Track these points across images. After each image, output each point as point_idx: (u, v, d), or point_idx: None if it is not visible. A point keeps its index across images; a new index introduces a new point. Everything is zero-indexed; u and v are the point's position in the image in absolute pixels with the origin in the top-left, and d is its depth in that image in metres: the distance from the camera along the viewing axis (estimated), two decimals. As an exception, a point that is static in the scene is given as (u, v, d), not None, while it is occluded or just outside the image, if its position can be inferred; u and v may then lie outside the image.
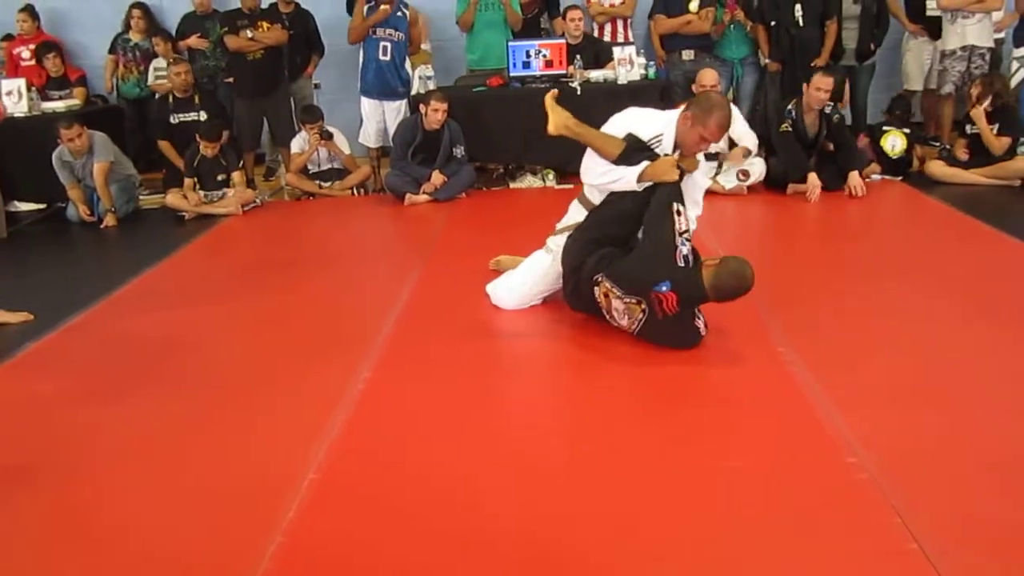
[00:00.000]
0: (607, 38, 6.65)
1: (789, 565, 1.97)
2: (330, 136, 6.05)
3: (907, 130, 5.81)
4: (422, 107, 5.65)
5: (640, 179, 3.17)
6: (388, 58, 6.04)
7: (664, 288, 2.98)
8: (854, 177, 5.27)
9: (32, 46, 6.88)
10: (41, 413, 2.99)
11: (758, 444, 2.49)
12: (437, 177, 5.70)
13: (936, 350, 3.07)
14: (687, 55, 6.40)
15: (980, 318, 3.33)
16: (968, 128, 5.55)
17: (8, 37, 7.06)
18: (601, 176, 3.31)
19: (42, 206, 6.37)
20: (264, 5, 6.36)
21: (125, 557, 2.15)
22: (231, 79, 6.44)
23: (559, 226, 3.58)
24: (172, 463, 2.59)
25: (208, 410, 2.93)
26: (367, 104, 6.20)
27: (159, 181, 6.39)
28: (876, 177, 5.67)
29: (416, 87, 6.20)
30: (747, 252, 4.41)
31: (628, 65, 6.01)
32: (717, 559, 2.00)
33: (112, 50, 6.94)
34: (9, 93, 6.33)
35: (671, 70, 6.46)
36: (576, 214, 3.50)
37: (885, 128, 5.82)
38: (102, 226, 5.74)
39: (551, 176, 6.11)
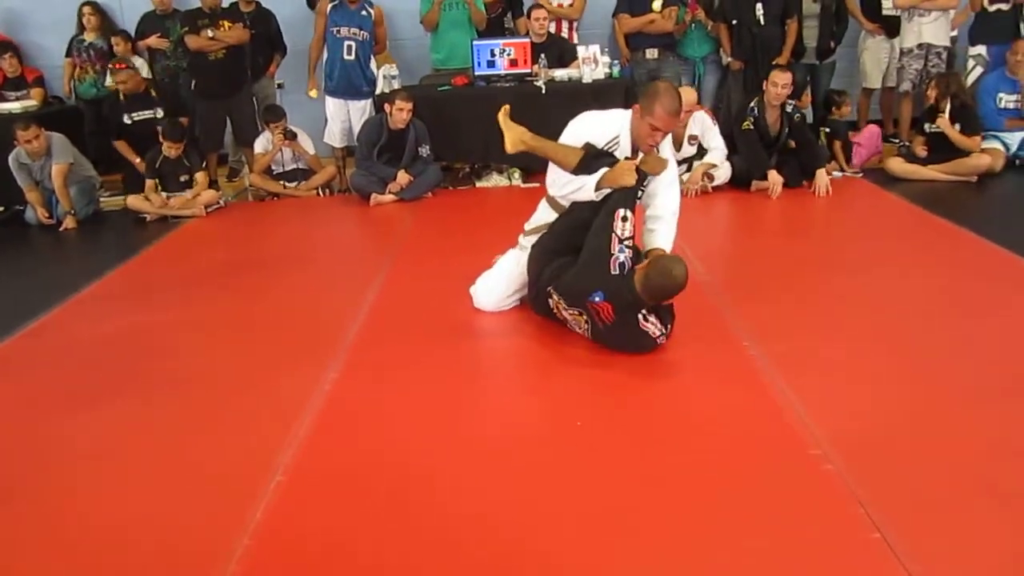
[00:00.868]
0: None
1: (754, 556, 1.99)
2: (294, 136, 6.01)
3: (826, 128, 5.97)
4: (387, 106, 5.64)
5: (598, 187, 3.14)
6: (353, 57, 6.01)
7: (597, 299, 2.98)
8: (821, 176, 5.33)
9: (-13, 47, 6.74)
10: (0, 419, 2.94)
11: (723, 438, 2.52)
12: (403, 177, 5.68)
13: (899, 343, 3.12)
14: (651, 54, 6.44)
15: (942, 311, 3.40)
16: (927, 126, 5.65)
17: (-38, 38, 6.92)
18: (563, 187, 3.30)
19: (-1, 209, 6.26)
20: (225, 4, 6.29)
21: (92, 561, 2.12)
22: (193, 82, 6.36)
23: (528, 226, 3.59)
24: (136, 467, 2.56)
25: (173, 415, 2.89)
26: (332, 104, 6.17)
27: (120, 183, 6.30)
28: (837, 174, 5.75)
29: (381, 86, 6.17)
30: (712, 249, 4.52)
31: (592, 64, 6.04)
32: (682, 552, 2.02)
33: (69, 53, 6.82)
34: (-36, 94, 6.22)
35: (635, 69, 6.50)
36: (545, 214, 3.50)
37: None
38: (61, 229, 5.66)
39: (517, 175, 6.12)
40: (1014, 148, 5.80)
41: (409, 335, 3.40)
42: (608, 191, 3.13)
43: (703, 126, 5.46)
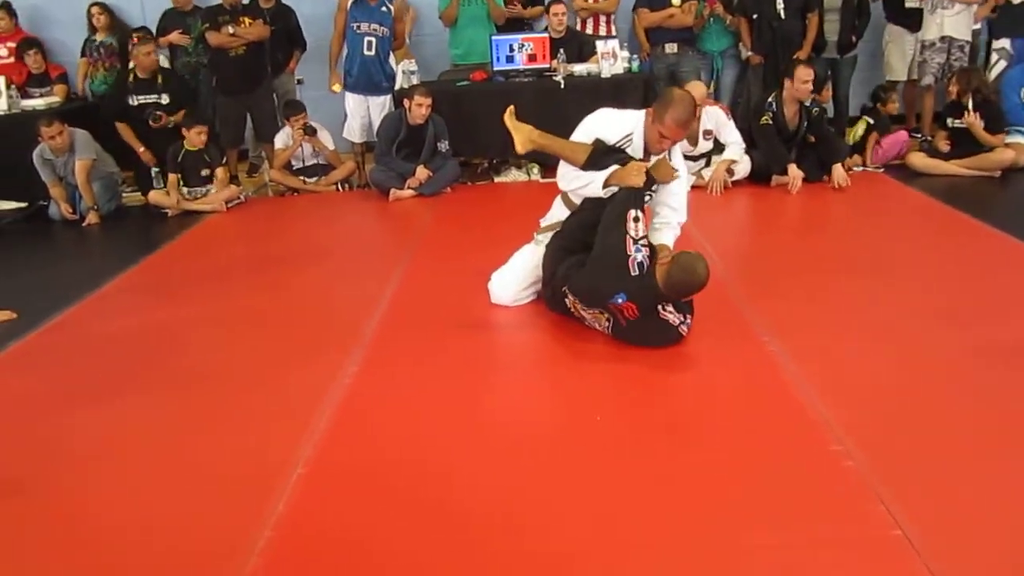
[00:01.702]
0: (589, 32, 6.66)
1: (774, 552, 1.98)
2: (314, 132, 6.03)
3: (870, 119, 5.87)
4: (406, 102, 5.65)
5: (606, 184, 3.14)
6: (372, 53, 6.02)
7: (620, 300, 2.98)
8: (838, 170, 5.30)
9: (10, 43, 6.81)
10: (23, 413, 2.98)
11: (743, 433, 2.51)
12: (422, 172, 5.69)
13: (921, 340, 3.10)
14: (670, 48, 6.41)
15: (964, 308, 3.36)
16: (950, 121, 5.59)
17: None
18: (571, 182, 3.30)
19: (24, 205, 6.31)
20: (246, 1, 6.31)
21: (112, 556, 2.15)
22: (214, 78, 6.40)
23: (543, 223, 3.59)
24: (158, 461, 2.59)
25: (194, 407, 2.93)
26: (351, 99, 6.18)
27: (132, 178, 6.33)
28: (858, 168, 5.71)
29: (400, 82, 6.19)
30: (731, 244, 4.50)
31: (611, 59, 6.02)
32: (702, 547, 2.02)
33: (84, 53, 6.87)
34: (-12, 91, 6.28)
35: (654, 63, 6.47)
36: (559, 212, 3.50)
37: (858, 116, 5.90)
38: (84, 224, 5.71)
39: (535, 170, 6.12)
40: (1038, 143, 5.72)
41: (428, 329, 3.41)
42: (615, 189, 3.13)
43: (717, 121, 5.43)
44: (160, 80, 6.06)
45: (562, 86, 5.87)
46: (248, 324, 3.70)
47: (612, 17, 6.75)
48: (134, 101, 6.04)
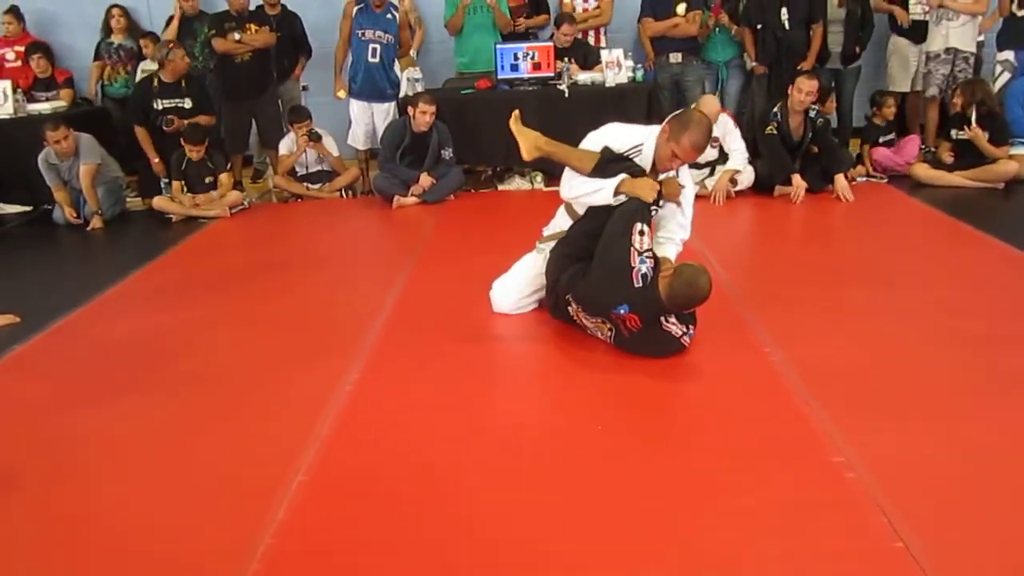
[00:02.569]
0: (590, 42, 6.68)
1: (775, 563, 1.98)
2: (318, 138, 6.04)
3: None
4: (410, 109, 5.66)
5: (617, 192, 3.12)
6: (377, 60, 6.04)
7: (623, 311, 2.99)
8: (840, 181, 5.31)
9: (18, 47, 6.83)
10: (27, 416, 2.98)
11: (746, 444, 2.51)
12: (425, 179, 5.70)
13: (924, 351, 3.09)
14: (674, 58, 6.42)
15: (967, 319, 3.36)
16: (954, 133, 5.60)
17: (-7, 39, 7.02)
18: (578, 188, 3.27)
19: (28, 208, 6.34)
20: (252, 7, 6.34)
21: (113, 559, 2.15)
22: (219, 84, 6.42)
23: (546, 232, 3.59)
24: (160, 465, 2.59)
25: (196, 412, 2.93)
26: (356, 106, 6.20)
27: (136, 183, 6.35)
28: (861, 179, 5.71)
29: (404, 89, 6.21)
30: (734, 254, 4.50)
31: (616, 68, 6.03)
32: (703, 559, 2.02)
33: (97, 56, 6.90)
34: (-5, 95, 6.30)
35: (659, 73, 6.48)
36: (562, 220, 3.50)
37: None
38: (88, 228, 5.72)
39: (539, 178, 6.13)
40: (1042, 155, 5.72)
41: (430, 337, 3.41)
42: (623, 198, 3.12)
43: (725, 128, 5.44)
44: (184, 84, 6.08)
45: (566, 95, 5.89)
46: (251, 329, 3.71)
47: (603, 29, 6.77)
48: (158, 105, 6.04)
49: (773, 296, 3.67)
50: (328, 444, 2.61)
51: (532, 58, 6.12)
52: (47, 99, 6.61)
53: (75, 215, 5.80)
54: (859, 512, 2.14)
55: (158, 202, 5.85)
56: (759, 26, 6.21)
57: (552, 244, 3.43)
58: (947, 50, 6.13)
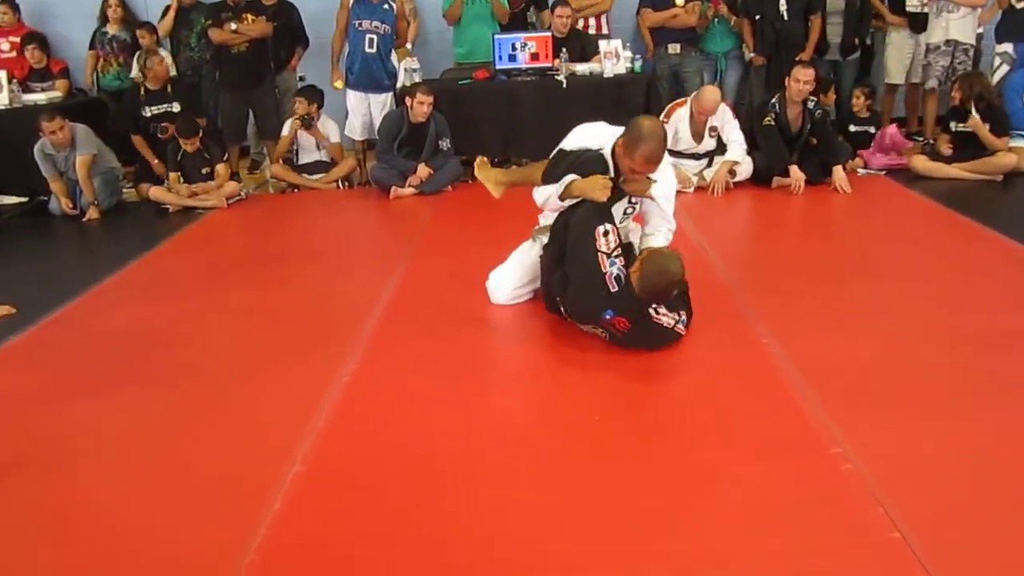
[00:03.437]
0: (591, 31, 6.65)
1: (772, 554, 1.98)
2: (309, 123, 6.00)
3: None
4: (408, 100, 5.64)
5: (563, 195, 3.08)
6: (374, 51, 6.02)
7: (609, 315, 2.98)
8: (838, 172, 5.29)
9: (12, 38, 6.79)
10: (22, 408, 2.98)
11: (744, 437, 2.50)
12: (423, 170, 5.69)
13: (921, 344, 3.09)
14: (673, 49, 6.40)
15: (963, 311, 3.35)
16: (953, 125, 5.58)
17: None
18: (538, 197, 3.28)
19: (24, 199, 6.31)
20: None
21: (108, 551, 2.15)
22: (217, 74, 6.40)
23: (542, 221, 3.58)
24: (156, 457, 2.58)
25: (192, 404, 2.92)
26: (353, 97, 6.18)
27: (131, 174, 6.33)
28: (861, 172, 5.70)
29: (402, 80, 6.18)
30: (732, 247, 4.49)
31: (614, 58, 6.01)
32: (701, 551, 2.02)
33: (92, 45, 6.86)
34: (-11, 85, 6.27)
35: (657, 64, 6.46)
36: (550, 214, 3.50)
37: None
38: (85, 219, 5.70)
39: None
40: (1041, 147, 5.70)
41: (427, 328, 3.40)
42: (576, 200, 3.07)
43: (723, 118, 5.42)
44: (170, 89, 6.11)
45: (564, 85, 5.87)
46: (247, 321, 3.70)
47: (605, 17, 6.74)
48: (147, 112, 6.05)
49: (771, 289, 3.67)
50: (325, 435, 2.60)
51: (530, 48, 6.10)
52: (42, 89, 6.58)
53: (71, 206, 5.77)
54: (856, 504, 2.14)
55: (155, 193, 5.83)
56: (758, 17, 6.20)
57: (546, 234, 3.42)
58: (947, 42, 6.13)
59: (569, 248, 3.07)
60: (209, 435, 2.69)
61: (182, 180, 5.78)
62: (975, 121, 5.38)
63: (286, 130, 6.11)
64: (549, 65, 6.08)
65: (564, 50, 6.04)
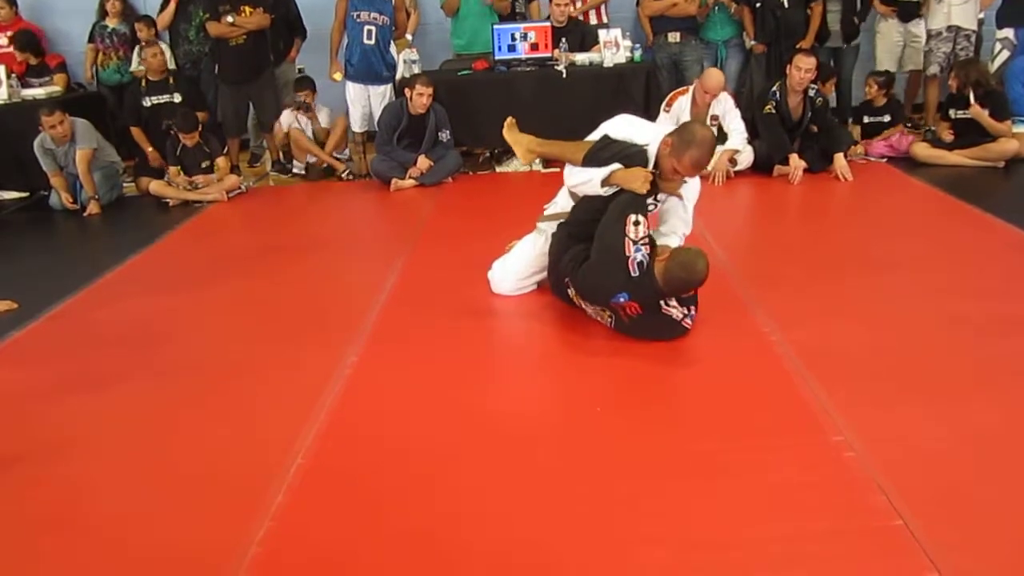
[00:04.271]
0: (592, 21, 6.64)
1: (775, 543, 1.98)
2: (308, 108, 6.09)
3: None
4: (407, 91, 5.62)
5: (606, 182, 3.07)
6: (373, 42, 5.99)
7: (622, 299, 2.97)
8: (839, 160, 5.28)
9: (10, 32, 6.77)
10: (23, 403, 2.98)
11: (746, 424, 2.51)
12: (423, 162, 5.68)
13: (924, 332, 3.09)
14: (673, 37, 6.39)
15: (967, 299, 3.35)
16: (953, 112, 5.57)
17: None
18: (572, 178, 3.23)
19: (24, 194, 6.32)
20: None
21: (112, 544, 2.15)
22: (216, 67, 6.39)
23: (547, 211, 3.58)
24: (159, 450, 2.59)
25: (195, 397, 2.92)
26: (352, 89, 6.16)
27: (132, 168, 6.33)
28: (859, 158, 5.68)
29: (401, 71, 6.17)
30: (733, 236, 4.49)
31: (614, 48, 5.99)
32: (705, 538, 2.02)
33: (91, 39, 6.84)
34: (-12, 80, 6.26)
35: (657, 52, 6.45)
36: (563, 200, 3.48)
37: None
38: (85, 214, 5.70)
39: (537, 160, 6.09)
40: (1043, 133, 5.69)
41: (429, 320, 3.40)
42: (616, 189, 3.07)
43: (725, 107, 5.41)
44: (171, 80, 6.12)
45: (564, 75, 5.85)
46: (249, 313, 3.70)
47: (606, 6, 6.72)
48: (147, 102, 6.07)
49: (773, 277, 3.67)
50: (327, 428, 2.61)
51: (529, 39, 6.08)
52: (40, 84, 6.56)
53: (72, 200, 5.77)
54: (858, 491, 2.14)
55: (155, 187, 5.83)
56: (758, 5, 6.18)
57: (553, 223, 3.41)
58: (949, 28, 6.11)
59: (600, 227, 3.06)
60: (212, 428, 2.69)
61: (182, 174, 5.78)
62: (976, 109, 5.36)
63: (285, 122, 6.10)
64: (549, 55, 6.06)
65: (564, 40, 6.03)
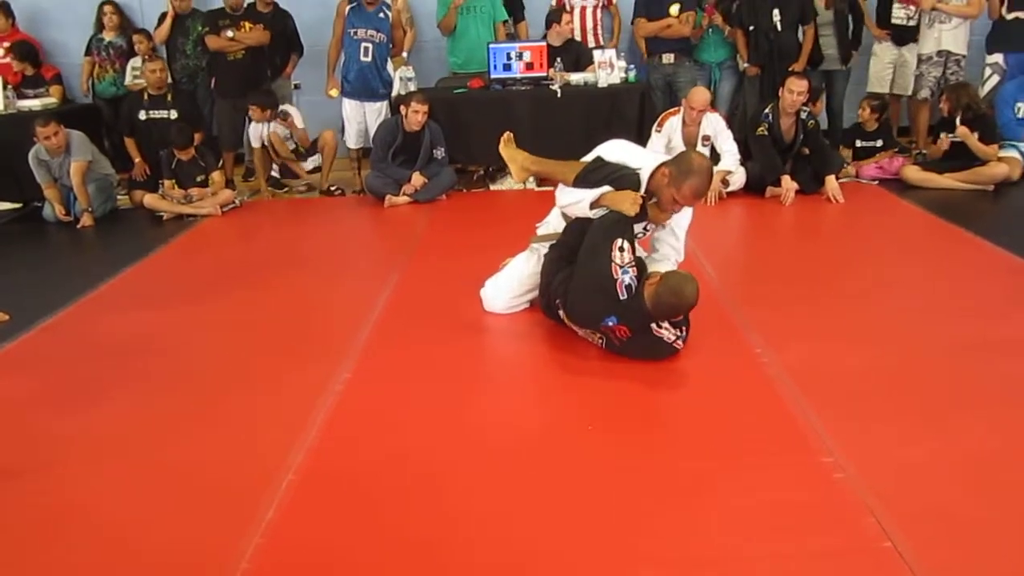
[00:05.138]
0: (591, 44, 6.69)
1: (764, 563, 1.99)
2: (285, 116, 6.11)
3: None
4: (403, 108, 5.65)
5: (595, 204, 3.07)
6: (369, 59, 6.03)
7: (611, 322, 2.98)
8: (831, 182, 5.32)
9: (6, 44, 6.78)
10: (16, 415, 2.97)
11: (736, 445, 2.51)
12: (417, 179, 5.70)
13: (914, 353, 3.10)
14: (667, 59, 6.43)
15: (955, 320, 3.38)
16: (944, 135, 5.62)
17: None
18: (563, 198, 3.24)
19: (18, 205, 6.31)
20: (245, 5, 6.32)
21: (102, 558, 2.14)
22: (212, 81, 6.41)
23: (540, 231, 3.59)
24: (150, 464, 2.58)
25: (186, 411, 2.92)
26: (348, 105, 6.19)
27: (125, 181, 6.34)
28: (853, 180, 5.73)
29: (397, 88, 6.20)
30: (725, 256, 4.51)
31: (608, 68, 6.04)
32: (692, 560, 2.02)
33: (88, 52, 6.86)
34: (-16, 91, 6.27)
35: (651, 73, 6.50)
36: (555, 220, 3.50)
37: None
38: (79, 226, 5.69)
39: (531, 178, 6.12)
40: (1032, 157, 5.74)
41: (422, 337, 3.41)
42: (604, 211, 3.07)
43: (716, 127, 5.45)
44: (171, 97, 6.14)
45: (559, 95, 5.89)
46: (241, 328, 3.70)
47: (601, 27, 6.77)
48: (144, 116, 6.10)
49: (764, 298, 3.69)
50: (319, 443, 2.61)
51: (525, 58, 6.12)
52: (36, 96, 6.57)
53: (65, 212, 5.76)
54: (848, 512, 2.15)
55: (149, 200, 5.83)
56: (751, 28, 6.22)
57: (545, 244, 3.43)
58: (939, 52, 6.17)
59: (583, 250, 3.05)
60: (203, 442, 2.69)
61: (176, 187, 5.78)
62: (963, 131, 5.42)
63: (254, 138, 6.13)
64: (544, 75, 6.10)
65: (559, 60, 6.07)
